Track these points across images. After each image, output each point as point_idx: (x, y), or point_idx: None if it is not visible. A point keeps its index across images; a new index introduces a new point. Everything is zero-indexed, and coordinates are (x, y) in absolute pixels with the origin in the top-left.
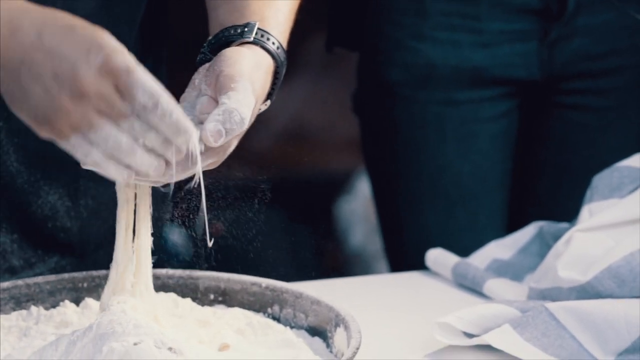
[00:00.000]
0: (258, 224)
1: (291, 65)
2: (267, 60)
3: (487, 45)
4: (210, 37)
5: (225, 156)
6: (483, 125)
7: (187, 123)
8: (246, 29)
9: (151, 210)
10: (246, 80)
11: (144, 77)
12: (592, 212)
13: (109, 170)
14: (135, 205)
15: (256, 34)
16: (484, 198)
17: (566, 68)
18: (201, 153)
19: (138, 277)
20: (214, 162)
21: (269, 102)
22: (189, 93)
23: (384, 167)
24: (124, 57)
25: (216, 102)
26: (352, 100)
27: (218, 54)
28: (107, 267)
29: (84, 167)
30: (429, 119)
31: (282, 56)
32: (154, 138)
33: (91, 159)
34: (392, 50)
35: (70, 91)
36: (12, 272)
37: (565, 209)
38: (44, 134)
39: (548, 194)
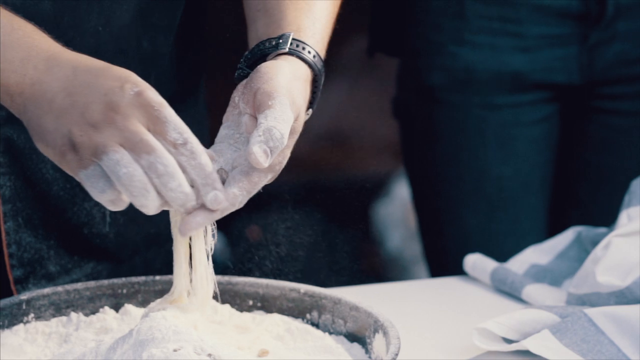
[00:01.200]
0: (296, 228)
1: (329, 70)
2: (304, 70)
3: (526, 49)
4: (246, 52)
5: (281, 169)
6: (523, 129)
7: (214, 173)
8: (281, 41)
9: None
10: (283, 95)
11: (174, 114)
12: (631, 217)
13: (122, 207)
14: None
15: (291, 44)
16: (525, 202)
17: (606, 73)
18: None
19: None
20: (272, 177)
21: (310, 111)
22: (230, 112)
23: (424, 171)
24: (157, 94)
25: (256, 120)
26: (392, 105)
27: (254, 70)
28: (144, 273)
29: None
30: (470, 123)
31: (319, 65)
32: (174, 188)
33: (107, 197)
34: (432, 55)
35: (100, 117)
36: (49, 278)
37: (605, 213)
38: (65, 166)
39: (588, 198)
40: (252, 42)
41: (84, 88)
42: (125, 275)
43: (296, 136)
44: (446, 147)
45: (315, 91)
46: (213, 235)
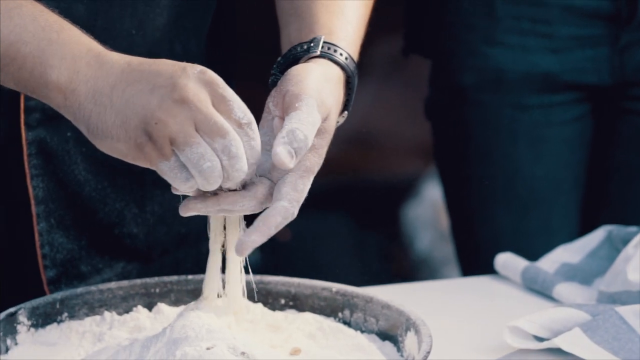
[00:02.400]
0: (327, 230)
1: (360, 71)
2: (336, 72)
3: (557, 50)
4: (279, 58)
5: (318, 169)
6: (555, 129)
7: (260, 155)
8: (312, 44)
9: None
10: (311, 97)
11: (235, 94)
12: None
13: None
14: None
15: (323, 47)
16: (557, 202)
17: (637, 74)
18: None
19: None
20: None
21: (346, 114)
22: (265, 118)
23: (456, 171)
24: (217, 75)
25: None
26: (424, 106)
27: (285, 74)
28: (173, 272)
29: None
30: (501, 123)
31: (351, 66)
32: (239, 168)
33: (189, 185)
34: (464, 55)
35: (170, 99)
36: (81, 278)
37: (637, 213)
38: (143, 159)
39: (619, 197)
40: (285, 47)
41: (145, 76)
42: (155, 275)
43: (328, 136)
44: (478, 147)
45: (349, 93)
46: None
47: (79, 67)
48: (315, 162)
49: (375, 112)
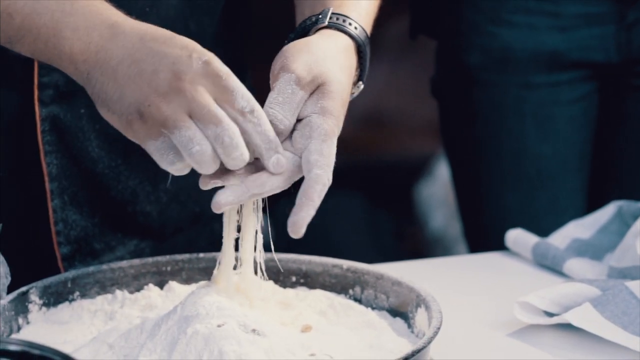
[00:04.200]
0: (339, 207)
1: (372, 50)
2: (345, 41)
3: (564, 28)
4: (290, 33)
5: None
6: (562, 108)
7: (277, 138)
8: (320, 16)
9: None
10: (288, 71)
11: (240, 82)
12: None
13: (185, 172)
14: None
15: (331, 18)
16: (564, 180)
17: None
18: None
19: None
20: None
21: (361, 85)
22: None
23: (463, 150)
24: (223, 64)
25: None
26: (431, 84)
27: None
28: (186, 251)
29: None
30: (508, 102)
31: (362, 36)
32: (237, 157)
33: (176, 167)
34: (470, 35)
35: (168, 86)
36: (94, 256)
37: None
38: (132, 134)
39: (627, 175)
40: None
41: (151, 56)
42: (168, 253)
43: (338, 99)
44: (485, 127)
45: (362, 62)
46: (263, 214)
47: (91, 38)
48: (333, 124)
49: (387, 91)
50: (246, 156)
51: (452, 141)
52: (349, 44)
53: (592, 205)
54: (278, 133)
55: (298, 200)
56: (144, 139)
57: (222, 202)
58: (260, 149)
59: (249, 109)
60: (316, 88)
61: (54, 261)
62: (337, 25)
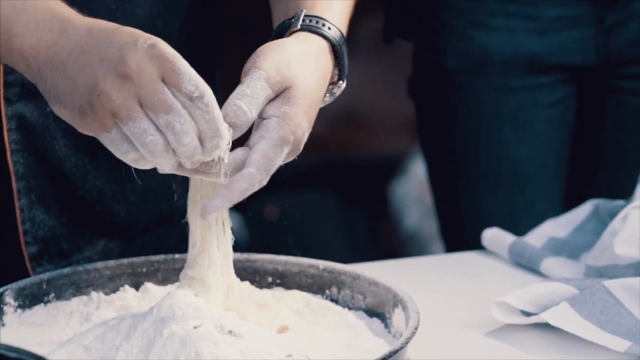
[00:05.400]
0: (313, 208)
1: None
2: (319, 44)
3: (542, 32)
4: (269, 39)
5: (300, 144)
6: (540, 111)
7: (223, 125)
8: (294, 19)
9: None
10: (258, 69)
11: (189, 67)
12: None
13: (145, 166)
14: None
15: (304, 20)
16: (541, 183)
17: (623, 53)
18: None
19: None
20: (291, 151)
21: (342, 84)
22: None
23: (440, 152)
24: (170, 47)
25: None
26: (407, 85)
27: None
28: (155, 251)
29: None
30: (486, 105)
31: (336, 36)
32: (188, 143)
33: (130, 157)
34: (448, 38)
35: (115, 73)
36: (62, 255)
37: (623, 192)
38: (85, 128)
39: (606, 177)
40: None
41: (98, 45)
42: (137, 253)
43: (302, 104)
44: (463, 130)
45: (339, 62)
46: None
47: (41, 33)
48: (289, 131)
49: (362, 90)
50: (195, 142)
51: (429, 142)
52: (323, 45)
53: (569, 207)
54: (239, 124)
55: (220, 189)
56: (97, 131)
57: (209, 210)
58: (205, 135)
59: (197, 93)
60: (282, 90)
61: (21, 261)
62: (310, 27)
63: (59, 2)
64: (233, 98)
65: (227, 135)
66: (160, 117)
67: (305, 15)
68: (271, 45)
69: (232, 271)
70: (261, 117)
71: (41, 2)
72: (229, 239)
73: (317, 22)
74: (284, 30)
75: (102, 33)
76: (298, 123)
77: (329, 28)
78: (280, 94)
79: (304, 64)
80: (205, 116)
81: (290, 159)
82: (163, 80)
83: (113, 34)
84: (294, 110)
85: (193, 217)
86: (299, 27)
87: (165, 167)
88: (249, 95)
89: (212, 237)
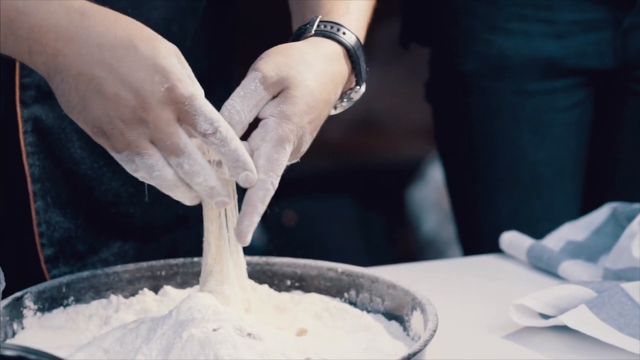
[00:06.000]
0: (332, 211)
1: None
2: (332, 49)
3: (559, 35)
4: None
5: (302, 151)
6: (557, 114)
7: (245, 156)
8: (309, 25)
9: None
10: (254, 70)
11: (205, 104)
12: None
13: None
14: None
15: (319, 26)
16: (559, 186)
17: None
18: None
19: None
20: (294, 151)
21: (359, 88)
22: None
23: (458, 156)
24: (187, 85)
25: None
26: (425, 90)
27: None
28: (170, 253)
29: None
30: (504, 109)
31: (352, 41)
32: (200, 182)
33: (140, 175)
34: (466, 42)
35: (130, 114)
36: (78, 258)
37: None
38: (98, 141)
39: (623, 181)
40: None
41: (112, 76)
42: (152, 255)
43: (302, 104)
44: (480, 134)
45: (355, 66)
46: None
47: (47, 39)
48: (289, 130)
49: (379, 94)
50: (211, 182)
51: (446, 147)
52: (337, 50)
53: (587, 211)
54: (234, 123)
55: (242, 208)
56: (109, 149)
57: (244, 233)
58: (229, 167)
59: (211, 130)
60: (281, 91)
61: (37, 263)
62: (325, 32)
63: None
64: (228, 100)
65: (252, 167)
66: (171, 159)
67: (321, 21)
68: (277, 48)
69: (247, 282)
70: (260, 117)
71: (44, 3)
72: (241, 250)
73: (332, 27)
74: (299, 36)
75: (114, 56)
76: (297, 122)
77: (344, 33)
78: (279, 93)
79: (308, 66)
80: (221, 149)
81: (294, 160)
82: (178, 120)
83: (126, 63)
84: (291, 109)
85: (208, 223)
86: (313, 32)
87: (184, 200)
88: (242, 96)
89: (225, 248)
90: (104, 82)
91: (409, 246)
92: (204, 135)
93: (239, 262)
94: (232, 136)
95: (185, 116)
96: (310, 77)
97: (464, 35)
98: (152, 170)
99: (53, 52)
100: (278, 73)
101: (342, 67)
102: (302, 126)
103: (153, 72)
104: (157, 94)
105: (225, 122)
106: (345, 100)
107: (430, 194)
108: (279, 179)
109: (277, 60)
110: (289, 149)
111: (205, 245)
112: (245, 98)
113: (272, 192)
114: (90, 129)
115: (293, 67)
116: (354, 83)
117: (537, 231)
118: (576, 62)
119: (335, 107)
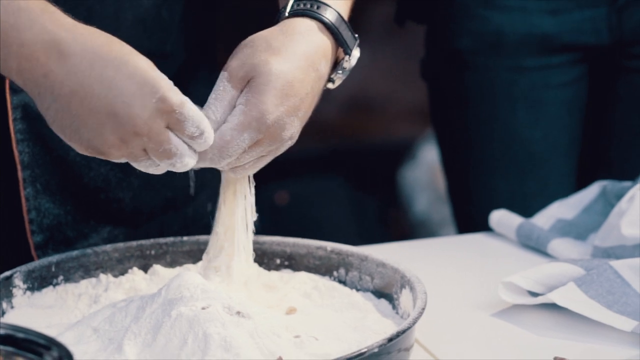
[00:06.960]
0: (324, 192)
1: (356, 33)
2: (304, 24)
3: (555, 11)
4: None
5: (288, 137)
6: (552, 91)
7: (224, 146)
8: (283, 8)
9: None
10: (225, 69)
11: (193, 109)
12: None
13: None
14: None
15: (292, 6)
16: (554, 164)
17: (635, 33)
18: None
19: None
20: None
21: (350, 58)
22: None
23: (453, 134)
24: (176, 93)
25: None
26: (420, 67)
27: None
28: (160, 236)
29: None
30: (499, 85)
31: (325, 12)
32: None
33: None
34: (462, 18)
35: (124, 130)
36: (67, 243)
37: (636, 173)
38: (92, 155)
39: (619, 158)
40: None
41: (105, 92)
42: (142, 239)
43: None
44: (475, 111)
45: (337, 37)
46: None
47: (37, 56)
48: (252, 117)
49: (371, 75)
50: (190, 167)
51: (441, 124)
52: (311, 26)
53: (581, 189)
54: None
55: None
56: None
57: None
58: (213, 160)
59: (197, 133)
60: (247, 82)
61: (27, 250)
62: (298, 11)
63: (53, 14)
64: (205, 106)
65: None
66: (163, 162)
67: (295, 1)
68: (245, 41)
69: (251, 258)
70: None
71: (34, 19)
72: (250, 233)
73: (305, 5)
74: (278, 21)
75: (104, 70)
76: (264, 109)
77: (318, 7)
78: (246, 84)
79: (275, 51)
80: (203, 146)
81: (285, 145)
82: (167, 126)
83: (117, 75)
84: (257, 97)
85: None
86: (286, 14)
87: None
88: (214, 99)
89: (238, 226)
90: (96, 100)
91: (401, 227)
92: (191, 137)
93: (248, 240)
94: (211, 135)
95: (175, 123)
96: (278, 61)
97: (460, 11)
98: (147, 168)
99: (43, 71)
100: (242, 66)
101: (320, 41)
102: (271, 112)
103: (143, 84)
104: (149, 107)
105: (208, 124)
106: (340, 71)
107: (423, 175)
108: (222, 160)
109: (242, 54)
110: (247, 136)
111: (216, 222)
112: (217, 100)
113: (201, 165)
114: (85, 149)
115: (256, 56)
116: (342, 53)
117: (531, 209)
118: (572, 38)
119: (332, 81)
